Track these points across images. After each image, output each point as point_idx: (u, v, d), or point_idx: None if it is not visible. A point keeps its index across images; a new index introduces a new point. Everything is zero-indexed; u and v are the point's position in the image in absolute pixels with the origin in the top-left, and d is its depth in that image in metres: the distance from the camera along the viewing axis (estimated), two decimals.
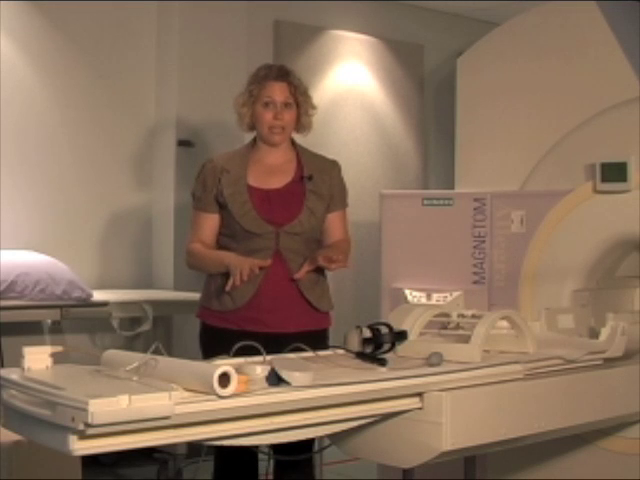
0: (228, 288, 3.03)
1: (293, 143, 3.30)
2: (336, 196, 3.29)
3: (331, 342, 3.06)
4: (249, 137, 3.37)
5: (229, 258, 3.10)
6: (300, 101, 3.24)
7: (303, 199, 3.20)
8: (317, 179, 3.23)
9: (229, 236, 3.20)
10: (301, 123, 3.27)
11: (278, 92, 3.20)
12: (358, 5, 6.31)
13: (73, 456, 2.00)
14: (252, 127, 3.27)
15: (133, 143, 5.34)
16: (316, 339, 3.04)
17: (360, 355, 2.66)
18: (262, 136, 3.24)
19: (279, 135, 3.21)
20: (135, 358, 2.21)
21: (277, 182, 3.22)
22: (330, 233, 3.28)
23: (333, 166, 3.32)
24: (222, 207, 3.20)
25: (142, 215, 5.35)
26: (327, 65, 6.19)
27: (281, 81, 3.21)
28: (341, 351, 2.73)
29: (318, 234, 3.25)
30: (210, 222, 3.23)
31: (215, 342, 3.08)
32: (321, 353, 2.71)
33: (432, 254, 3.96)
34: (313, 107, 3.29)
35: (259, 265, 3.04)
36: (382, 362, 2.59)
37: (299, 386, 2.24)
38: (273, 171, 3.24)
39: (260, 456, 3.08)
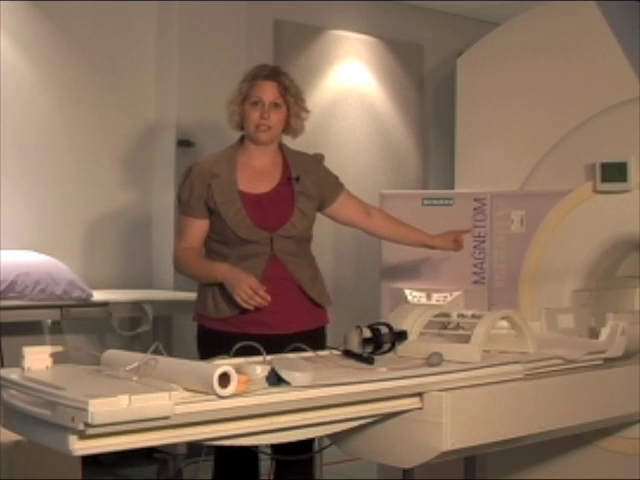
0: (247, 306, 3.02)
1: (281, 147, 3.25)
2: (330, 187, 3.27)
3: (331, 342, 3.06)
4: None
5: (222, 273, 3.06)
6: (290, 103, 3.18)
7: (293, 201, 3.16)
8: (305, 180, 3.20)
9: (221, 242, 3.14)
10: (291, 126, 3.21)
11: (267, 91, 3.15)
12: (358, 5, 6.30)
13: (73, 456, 2.00)
14: (241, 126, 3.22)
15: (133, 143, 5.33)
16: (315, 338, 3.06)
17: (348, 354, 2.66)
18: (249, 135, 3.20)
19: (265, 133, 3.15)
20: (135, 358, 2.21)
21: (265, 186, 3.18)
22: (351, 214, 3.29)
23: (317, 163, 3.31)
24: (212, 213, 3.14)
25: (142, 215, 5.35)
26: (327, 65, 6.18)
27: (271, 80, 3.16)
28: (334, 351, 2.74)
29: (310, 234, 3.23)
30: (198, 228, 3.16)
31: (216, 345, 3.03)
32: (320, 353, 2.71)
33: (432, 254, 3.95)
34: (306, 110, 3.23)
35: (261, 290, 3.01)
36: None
37: (299, 386, 2.24)
38: (261, 174, 3.19)
39: (260, 456, 3.08)
